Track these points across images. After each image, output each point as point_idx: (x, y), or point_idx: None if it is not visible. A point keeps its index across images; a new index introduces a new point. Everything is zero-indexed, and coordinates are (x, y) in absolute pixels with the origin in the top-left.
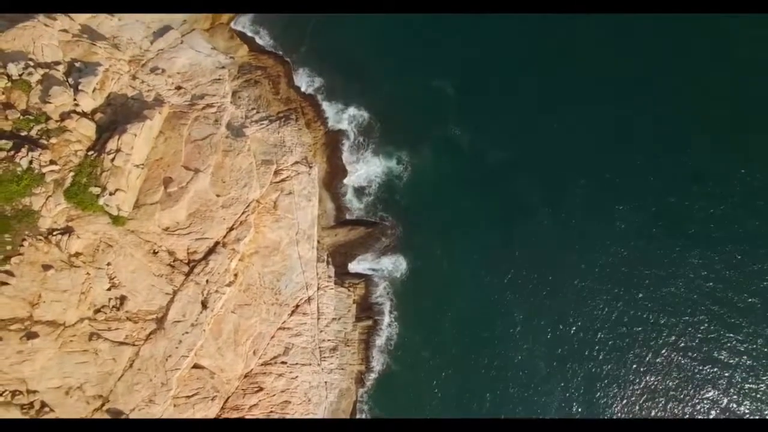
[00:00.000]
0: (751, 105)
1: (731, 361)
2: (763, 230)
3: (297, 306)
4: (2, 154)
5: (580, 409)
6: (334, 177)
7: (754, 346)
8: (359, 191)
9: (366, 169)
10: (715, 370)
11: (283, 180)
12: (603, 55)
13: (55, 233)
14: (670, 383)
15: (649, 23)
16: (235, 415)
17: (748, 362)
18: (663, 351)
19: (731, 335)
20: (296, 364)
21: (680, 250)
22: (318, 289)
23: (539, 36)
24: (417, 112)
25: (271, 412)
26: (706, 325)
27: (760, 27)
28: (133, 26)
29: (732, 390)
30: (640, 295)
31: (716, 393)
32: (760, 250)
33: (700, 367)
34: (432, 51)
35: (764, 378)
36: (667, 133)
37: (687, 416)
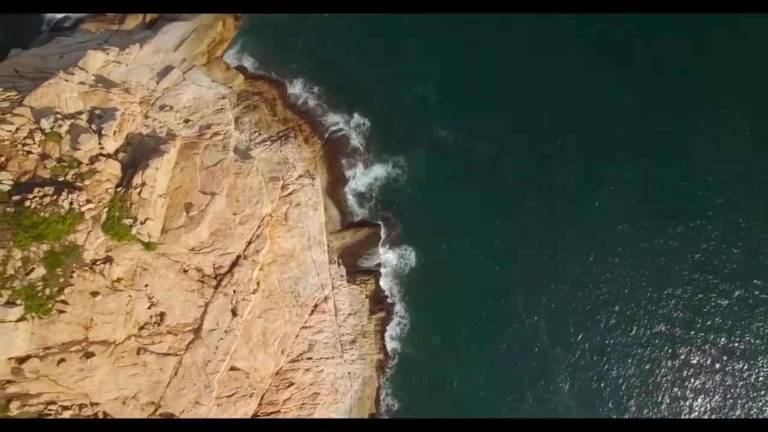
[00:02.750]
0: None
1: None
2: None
3: (316, 306)
4: (47, 199)
5: (583, 378)
6: (335, 185)
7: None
8: (360, 196)
9: (364, 176)
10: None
11: (290, 193)
12: (575, 51)
13: (97, 263)
14: (672, 357)
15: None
16: (271, 409)
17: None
18: (660, 325)
19: (729, 310)
20: (321, 358)
21: (671, 229)
22: (333, 288)
23: (510, 35)
24: (405, 119)
25: (303, 404)
26: (701, 296)
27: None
28: (139, 69)
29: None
30: (632, 273)
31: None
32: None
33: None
34: (411, 59)
35: None
36: (648, 117)
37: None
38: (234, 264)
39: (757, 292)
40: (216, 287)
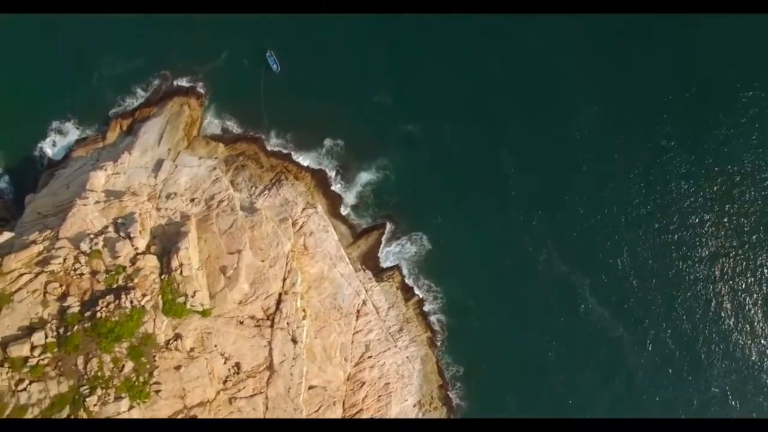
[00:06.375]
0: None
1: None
2: None
3: (358, 311)
4: (112, 306)
5: (602, 295)
6: (335, 205)
7: None
8: (358, 207)
9: (354, 187)
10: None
11: (301, 227)
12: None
13: (170, 342)
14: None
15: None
16: (355, 410)
17: None
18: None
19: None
20: (379, 353)
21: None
22: (366, 291)
23: (435, 32)
24: (372, 127)
25: (380, 396)
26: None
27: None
28: (136, 172)
29: None
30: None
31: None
32: None
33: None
34: (357, 75)
35: None
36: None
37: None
38: (279, 302)
39: None
40: (272, 326)
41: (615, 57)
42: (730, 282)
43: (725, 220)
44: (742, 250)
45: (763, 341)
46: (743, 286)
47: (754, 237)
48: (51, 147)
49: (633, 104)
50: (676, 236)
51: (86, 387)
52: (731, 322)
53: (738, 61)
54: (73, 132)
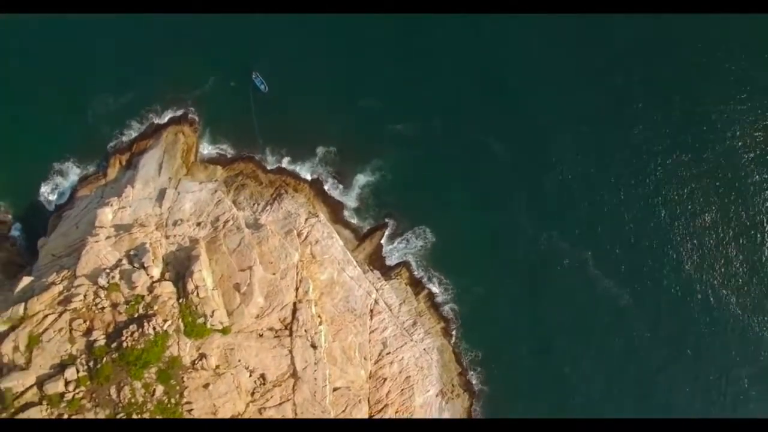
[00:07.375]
0: None
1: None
2: None
3: (371, 311)
4: (136, 334)
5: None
6: (336, 211)
7: None
8: (359, 209)
9: (353, 192)
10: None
11: (306, 237)
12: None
13: (196, 362)
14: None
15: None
16: (380, 405)
17: None
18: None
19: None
20: (396, 349)
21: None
22: (376, 290)
23: (415, 36)
24: (362, 130)
25: (402, 390)
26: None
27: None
28: (141, 204)
29: None
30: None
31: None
32: None
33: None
34: (338, 85)
35: None
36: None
37: None
38: (294, 311)
39: None
40: (290, 335)
41: (604, 48)
42: (733, 244)
43: (720, 186)
44: (743, 216)
45: None
46: (748, 248)
47: (751, 201)
48: (55, 189)
49: (624, 89)
50: (676, 209)
51: (122, 414)
52: (740, 282)
53: (723, 47)
54: (73, 171)
